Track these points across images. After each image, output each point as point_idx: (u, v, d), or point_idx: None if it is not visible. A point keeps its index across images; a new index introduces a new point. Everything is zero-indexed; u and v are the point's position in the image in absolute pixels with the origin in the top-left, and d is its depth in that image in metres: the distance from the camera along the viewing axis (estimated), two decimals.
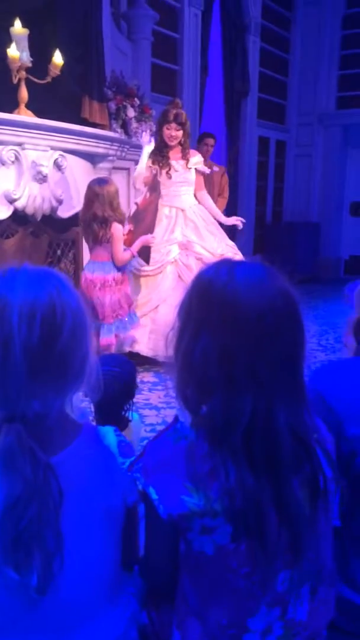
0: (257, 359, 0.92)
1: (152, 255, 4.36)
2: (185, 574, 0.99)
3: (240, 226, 4.84)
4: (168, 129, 4.35)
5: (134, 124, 4.96)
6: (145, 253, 4.15)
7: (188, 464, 0.93)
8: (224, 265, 0.97)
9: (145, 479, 0.96)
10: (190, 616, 1.00)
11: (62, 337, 0.90)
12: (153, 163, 4.44)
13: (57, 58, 3.91)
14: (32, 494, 0.88)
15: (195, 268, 4.34)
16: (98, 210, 3.60)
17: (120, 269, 3.85)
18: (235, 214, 7.79)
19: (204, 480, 0.92)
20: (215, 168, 6.22)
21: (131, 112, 4.95)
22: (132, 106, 4.97)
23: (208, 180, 6.11)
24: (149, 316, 4.34)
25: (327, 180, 9.16)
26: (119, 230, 3.72)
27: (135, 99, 5.05)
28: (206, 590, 0.98)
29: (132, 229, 4.17)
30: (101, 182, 3.72)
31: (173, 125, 4.34)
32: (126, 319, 3.93)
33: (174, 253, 4.39)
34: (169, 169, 4.41)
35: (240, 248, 7.06)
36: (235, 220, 4.78)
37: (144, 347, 4.27)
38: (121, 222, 3.76)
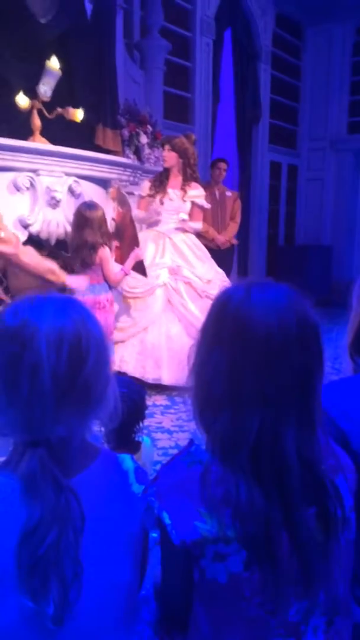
0: (264, 378, 0.91)
1: (142, 277, 4.40)
2: (199, 602, 0.98)
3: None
4: (163, 149, 4.50)
5: (147, 150, 5.05)
6: (139, 266, 4.15)
7: (202, 489, 0.92)
8: (244, 284, 0.97)
9: (160, 503, 0.95)
10: None
11: (88, 364, 0.92)
12: (150, 188, 4.52)
13: (80, 114, 4.02)
14: (53, 519, 0.88)
15: (184, 292, 4.39)
16: (89, 236, 3.57)
17: (112, 289, 3.86)
18: (248, 238, 7.86)
19: (218, 506, 0.90)
20: (228, 193, 6.29)
21: (144, 139, 5.03)
22: (145, 133, 5.06)
23: (221, 205, 6.17)
24: (138, 337, 4.37)
25: (339, 203, 9.20)
26: (106, 252, 3.70)
27: (148, 126, 5.14)
28: (219, 619, 0.96)
29: (117, 245, 4.17)
30: (91, 206, 3.68)
31: (166, 146, 4.48)
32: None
33: (164, 277, 4.44)
34: (164, 197, 4.49)
35: (252, 271, 7.07)
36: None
37: (131, 367, 4.28)
38: (108, 245, 3.76)
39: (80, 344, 0.91)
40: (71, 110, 3.99)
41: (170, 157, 4.49)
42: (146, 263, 4.38)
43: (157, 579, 1.09)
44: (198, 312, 4.40)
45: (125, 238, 3.90)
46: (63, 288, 3.13)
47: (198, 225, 4.81)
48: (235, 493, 0.90)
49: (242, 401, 0.92)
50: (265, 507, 0.90)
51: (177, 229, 4.60)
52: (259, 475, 0.91)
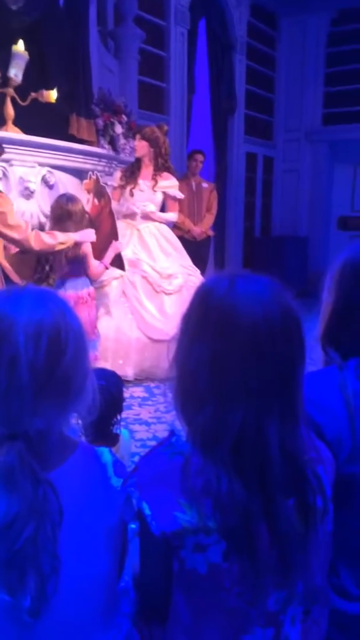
0: (248, 370, 0.90)
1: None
2: (179, 592, 0.97)
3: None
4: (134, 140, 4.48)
5: (122, 141, 5.00)
6: (117, 260, 4.12)
7: (183, 480, 0.91)
8: (227, 276, 0.96)
9: (140, 493, 0.94)
10: (182, 635, 0.98)
11: (66, 357, 0.91)
12: (121, 179, 4.49)
13: (53, 94, 3.95)
14: (30, 513, 0.87)
15: (140, 286, 4.39)
16: (71, 229, 3.55)
17: (93, 283, 3.83)
18: (224, 230, 7.87)
19: (198, 497, 0.90)
20: (205, 184, 6.29)
21: (119, 129, 4.98)
22: (120, 123, 5.01)
23: (197, 196, 6.16)
24: None
25: (315, 195, 9.26)
26: (89, 246, 3.69)
27: (123, 115, 5.09)
28: (199, 610, 0.96)
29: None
30: (71, 199, 3.66)
31: (137, 136, 4.49)
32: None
33: None
34: (134, 187, 4.46)
35: (229, 263, 7.09)
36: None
37: None
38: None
39: (59, 337, 0.91)
40: (45, 92, 3.93)
41: (141, 147, 4.47)
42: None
43: (136, 569, 1.09)
44: (153, 308, 4.39)
45: (102, 231, 3.85)
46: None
47: (172, 216, 4.79)
48: (216, 484, 0.90)
49: (225, 394, 0.91)
50: (245, 499, 0.90)
51: (144, 217, 4.55)
52: (240, 467, 0.91)
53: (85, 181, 4.18)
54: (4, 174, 3.80)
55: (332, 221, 9.38)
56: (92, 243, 3.69)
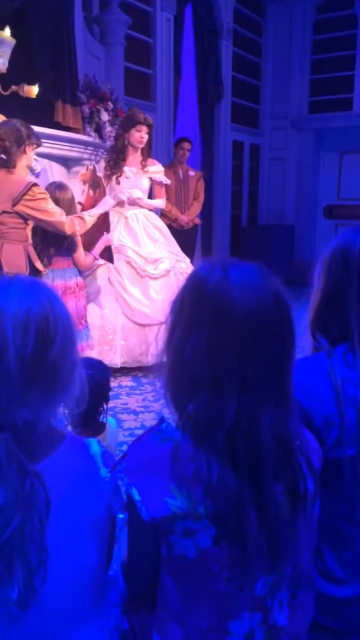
0: (244, 359, 0.91)
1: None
2: (168, 577, 0.98)
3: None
4: (139, 130, 4.38)
5: (108, 128, 4.95)
6: (107, 252, 4.11)
7: (173, 466, 0.92)
8: (220, 264, 0.97)
9: (129, 479, 0.95)
10: (171, 621, 0.99)
11: (55, 347, 0.91)
12: (105, 168, 4.45)
13: (35, 90, 3.89)
14: (17, 505, 0.87)
15: (124, 272, 4.38)
16: None
17: (80, 273, 3.82)
18: (211, 218, 7.85)
19: (188, 482, 0.91)
20: (192, 172, 6.26)
21: (105, 116, 4.94)
22: (106, 110, 4.96)
23: (185, 184, 6.13)
24: None
25: (301, 183, 9.26)
26: (78, 237, 3.70)
27: (109, 102, 5.04)
28: (188, 594, 0.97)
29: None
30: (61, 187, 3.69)
31: (144, 128, 4.37)
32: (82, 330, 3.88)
33: None
34: (120, 175, 4.43)
35: (216, 252, 7.07)
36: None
37: None
38: None
39: (47, 327, 0.90)
40: (26, 87, 3.87)
41: (145, 139, 4.43)
42: None
43: (124, 556, 1.09)
44: (138, 292, 4.38)
45: (94, 224, 3.83)
46: None
47: (159, 202, 4.76)
48: (207, 471, 0.91)
49: (220, 382, 0.92)
50: (236, 486, 0.91)
51: (131, 203, 4.53)
52: (232, 454, 0.92)
53: (82, 171, 4.15)
54: None
55: (318, 210, 9.40)
56: (83, 235, 3.69)
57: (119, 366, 4.29)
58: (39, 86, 3.95)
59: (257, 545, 0.93)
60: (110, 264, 4.35)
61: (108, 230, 4.00)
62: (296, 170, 9.27)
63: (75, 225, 3.49)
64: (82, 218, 3.57)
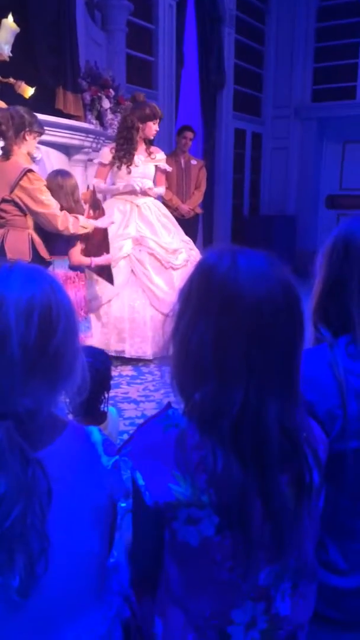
0: (251, 348, 0.90)
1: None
2: (172, 563, 0.99)
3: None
4: (155, 123, 4.37)
5: (109, 116, 4.92)
6: (107, 272, 4.07)
7: (177, 453, 0.92)
8: (228, 252, 0.96)
9: (134, 463, 0.95)
10: (173, 606, 1.00)
11: (57, 335, 0.90)
12: (113, 158, 4.42)
13: (30, 91, 3.84)
14: (19, 493, 0.87)
15: (148, 263, 4.37)
16: (62, 201, 3.51)
17: (75, 269, 3.73)
18: (212, 208, 7.82)
19: (193, 470, 0.91)
20: (194, 161, 6.23)
21: (106, 104, 4.90)
22: (107, 97, 4.92)
23: (186, 173, 6.10)
24: (102, 310, 4.36)
25: (303, 173, 9.21)
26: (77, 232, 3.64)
27: (111, 90, 5.00)
28: (191, 582, 0.98)
29: (82, 247, 3.96)
30: (63, 174, 3.65)
31: (156, 121, 4.38)
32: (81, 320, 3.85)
33: (127, 248, 4.39)
34: (130, 164, 4.41)
35: (217, 241, 7.04)
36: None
37: (95, 340, 4.27)
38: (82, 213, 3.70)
39: (50, 314, 0.90)
40: (23, 85, 3.82)
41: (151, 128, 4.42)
42: (110, 235, 4.33)
43: (128, 543, 1.10)
44: (162, 283, 4.38)
45: (93, 241, 3.78)
46: None
47: (162, 190, 4.74)
48: (212, 460, 0.90)
49: (227, 371, 0.91)
50: (241, 476, 0.91)
51: (142, 193, 4.50)
52: (238, 444, 0.92)
53: (82, 192, 4.14)
54: None
55: (320, 200, 9.35)
56: (87, 243, 3.67)
57: (151, 357, 4.31)
58: (39, 72, 3.91)
59: (261, 535, 0.93)
60: (132, 255, 4.34)
61: (108, 251, 3.93)
62: (298, 159, 9.21)
63: (69, 222, 3.42)
64: (77, 218, 3.51)
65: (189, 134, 6.11)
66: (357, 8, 8.29)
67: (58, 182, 3.54)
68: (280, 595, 1.00)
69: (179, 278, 4.41)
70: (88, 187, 4.20)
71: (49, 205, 3.32)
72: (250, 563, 0.94)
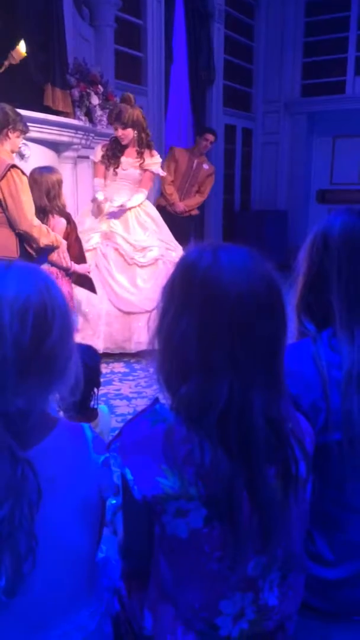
0: (235, 343, 0.91)
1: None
2: (161, 556, 0.99)
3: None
4: (115, 129, 4.33)
5: (98, 112, 4.90)
6: (88, 282, 4.07)
7: (165, 447, 0.93)
8: (209, 248, 0.96)
9: (122, 459, 0.96)
10: (163, 599, 1.01)
11: (52, 335, 0.90)
12: (103, 157, 4.40)
13: (22, 47, 3.80)
14: (8, 492, 0.87)
15: (112, 259, 4.36)
16: (35, 198, 3.44)
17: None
18: (203, 203, 7.80)
19: (181, 463, 0.92)
20: (206, 166, 6.17)
21: (95, 100, 4.88)
22: (96, 93, 4.90)
23: (194, 175, 6.06)
24: None
25: (294, 168, 9.21)
26: (59, 224, 3.60)
27: (99, 86, 4.98)
28: (181, 574, 0.98)
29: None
30: (43, 170, 3.60)
31: (116, 125, 4.30)
32: None
33: (94, 241, 4.37)
34: (117, 167, 4.38)
35: (209, 237, 7.00)
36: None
37: None
38: (62, 214, 3.64)
39: (45, 314, 0.89)
40: (13, 51, 3.76)
41: (127, 134, 4.33)
42: (84, 227, 4.32)
43: (120, 539, 1.10)
44: (125, 280, 4.36)
45: (71, 255, 3.80)
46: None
47: (139, 198, 4.52)
48: (200, 454, 0.91)
49: (212, 366, 0.92)
50: (228, 469, 0.92)
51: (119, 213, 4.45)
52: (225, 437, 0.92)
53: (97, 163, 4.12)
54: None
55: (311, 194, 9.36)
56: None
57: (101, 351, 4.28)
58: (27, 69, 3.87)
59: (249, 526, 0.94)
60: (98, 249, 4.32)
61: (85, 261, 3.96)
62: (289, 154, 9.21)
63: (43, 230, 3.34)
64: (49, 232, 3.42)
65: (210, 137, 6.00)
66: (345, 2, 8.29)
67: (34, 177, 3.48)
68: (269, 586, 1.01)
69: (146, 277, 4.38)
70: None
71: (27, 211, 3.24)
72: (238, 554, 0.95)
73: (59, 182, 3.62)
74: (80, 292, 4.23)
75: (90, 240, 4.34)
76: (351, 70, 8.54)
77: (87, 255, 4.28)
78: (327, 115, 8.81)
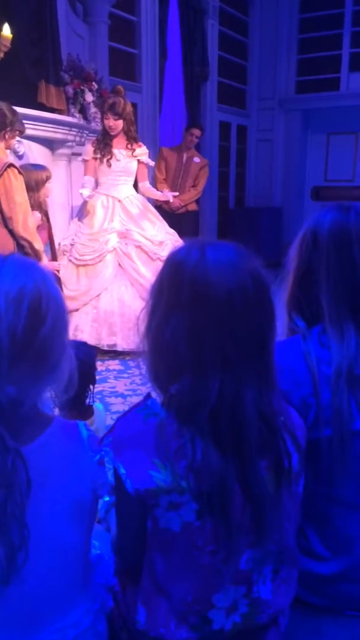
0: (225, 339, 0.92)
1: (91, 244, 4.38)
2: (154, 550, 1.00)
3: (171, 199, 4.91)
4: (106, 119, 4.34)
5: (93, 109, 4.89)
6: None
7: (157, 441, 0.93)
8: (196, 245, 0.97)
9: (115, 453, 0.97)
10: (157, 594, 1.01)
11: (46, 325, 0.91)
12: (95, 152, 4.40)
13: (6, 30, 3.76)
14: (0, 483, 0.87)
15: (135, 256, 4.38)
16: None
17: None
18: (199, 200, 7.80)
19: (172, 457, 0.92)
20: (197, 159, 6.19)
21: (89, 97, 4.87)
22: (90, 90, 4.89)
23: (185, 169, 6.06)
24: (91, 305, 4.36)
25: (289, 165, 9.22)
26: (33, 216, 3.59)
27: (93, 83, 4.97)
28: (173, 567, 0.99)
29: None
30: (32, 167, 3.63)
31: (109, 115, 4.31)
32: None
33: (113, 242, 4.40)
34: (110, 158, 4.39)
35: (204, 234, 7.01)
36: (167, 195, 4.82)
37: (86, 335, 4.27)
38: (39, 209, 3.66)
39: (40, 304, 0.90)
40: (3, 35, 3.70)
41: (118, 125, 4.35)
42: (94, 230, 4.35)
43: (114, 535, 1.11)
44: (150, 275, 4.38)
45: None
46: None
47: (150, 161, 4.68)
48: (191, 449, 0.92)
49: (203, 363, 0.93)
50: (220, 464, 0.92)
51: (113, 184, 4.48)
52: (217, 432, 0.93)
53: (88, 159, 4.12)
54: None
55: (306, 191, 9.37)
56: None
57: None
58: (21, 66, 3.85)
59: (241, 520, 0.94)
60: (118, 249, 4.36)
61: (56, 259, 4.03)
62: (283, 151, 9.21)
63: (37, 237, 3.38)
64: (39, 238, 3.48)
65: (196, 132, 6.08)
66: None
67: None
68: (262, 579, 1.01)
69: None
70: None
71: (18, 212, 3.27)
72: (231, 547, 0.95)
73: (42, 180, 3.66)
74: (112, 296, 4.28)
75: (109, 241, 4.37)
76: (345, 67, 8.54)
77: (108, 256, 4.31)
78: (321, 112, 8.81)
